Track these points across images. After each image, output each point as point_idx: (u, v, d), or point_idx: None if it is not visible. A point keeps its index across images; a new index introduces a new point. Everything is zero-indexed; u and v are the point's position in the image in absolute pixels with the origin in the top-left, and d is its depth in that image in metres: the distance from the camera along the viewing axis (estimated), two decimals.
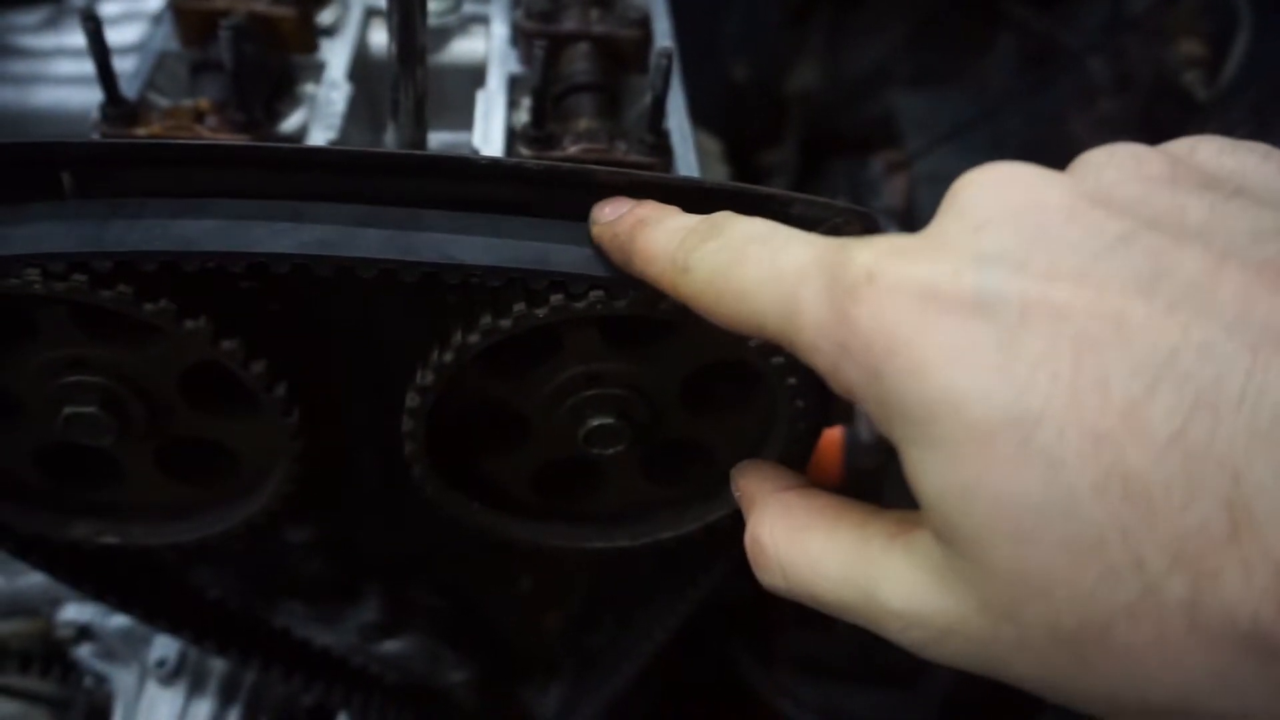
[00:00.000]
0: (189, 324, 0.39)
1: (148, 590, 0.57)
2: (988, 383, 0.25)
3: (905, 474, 0.28)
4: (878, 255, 0.28)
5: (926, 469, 0.27)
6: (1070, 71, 1.31)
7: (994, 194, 0.28)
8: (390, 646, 0.72)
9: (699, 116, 0.83)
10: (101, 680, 0.75)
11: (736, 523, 0.39)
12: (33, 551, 0.53)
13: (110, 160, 0.38)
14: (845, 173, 1.59)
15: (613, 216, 0.38)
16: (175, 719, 0.68)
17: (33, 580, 0.82)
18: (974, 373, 0.25)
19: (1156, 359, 0.24)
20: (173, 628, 0.58)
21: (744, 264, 0.32)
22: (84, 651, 0.73)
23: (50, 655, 0.82)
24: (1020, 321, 0.25)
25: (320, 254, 0.38)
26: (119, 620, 0.71)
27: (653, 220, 0.36)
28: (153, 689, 0.70)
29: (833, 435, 1.14)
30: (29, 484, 0.49)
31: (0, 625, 0.83)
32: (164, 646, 0.70)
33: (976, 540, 0.27)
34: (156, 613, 0.57)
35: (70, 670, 0.79)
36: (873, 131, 1.74)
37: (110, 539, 0.50)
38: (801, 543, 0.34)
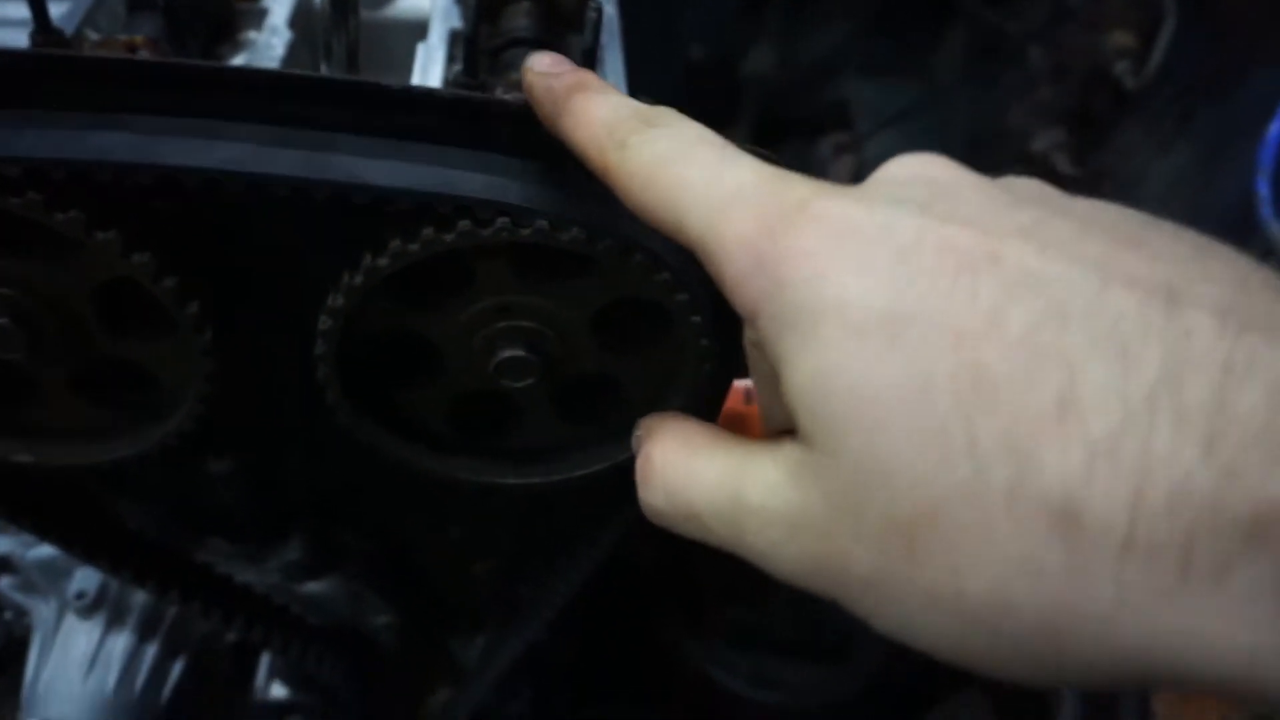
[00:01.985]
0: (99, 235, 0.40)
1: (65, 516, 0.58)
2: (873, 286, 0.29)
3: (782, 385, 0.31)
4: (813, 190, 0.32)
5: (800, 366, 0.30)
6: (1013, 62, 1.34)
7: (915, 166, 0.33)
8: (314, 587, 0.73)
9: (654, 95, 0.84)
10: (21, 614, 0.75)
11: None
12: None
13: (25, 70, 0.38)
14: (794, 154, 1.61)
15: (551, 68, 0.38)
16: (92, 651, 0.68)
17: None
18: (864, 279, 0.29)
19: (1022, 278, 0.27)
20: (88, 556, 0.58)
21: (689, 161, 0.34)
22: (3, 584, 0.73)
23: None
24: (914, 246, 0.29)
25: (231, 169, 0.39)
26: (39, 552, 0.71)
27: (596, 87, 0.38)
28: (71, 621, 0.70)
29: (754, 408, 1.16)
30: None
31: None
32: (84, 579, 0.70)
33: (832, 428, 0.29)
34: (72, 540, 0.58)
35: None
36: (826, 116, 1.76)
37: (24, 457, 0.50)
38: (686, 458, 0.37)
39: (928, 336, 0.28)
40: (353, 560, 0.75)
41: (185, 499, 0.65)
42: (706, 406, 0.49)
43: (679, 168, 0.34)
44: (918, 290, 0.28)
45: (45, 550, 0.72)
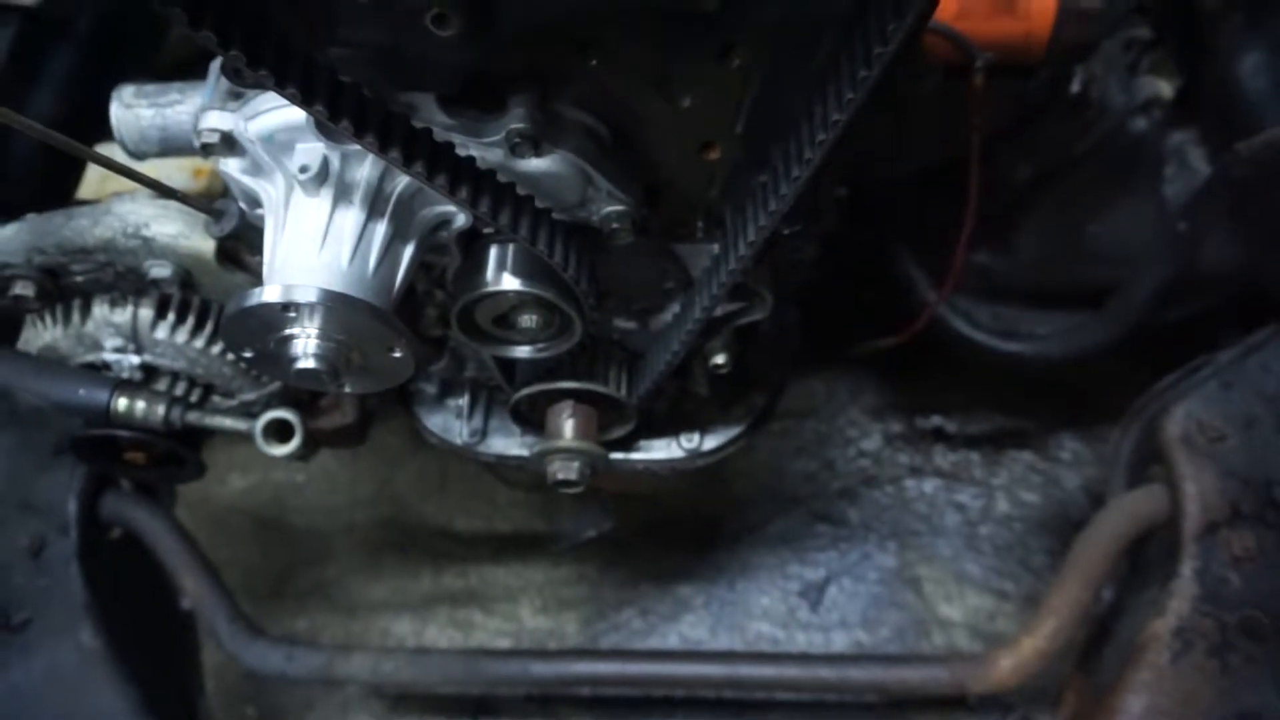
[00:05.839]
0: None
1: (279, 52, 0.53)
2: None
3: None
4: None
5: None
6: None
7: None
8: (539, 164, 0.68)
9: None
10: (254, 203, 0.74)
11: None
12: None
13: None
14: None
15: None
16: (323, 225, 0.66)
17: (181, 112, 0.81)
18: None
19: None
20: (304, 98, 0.54)
21: None
22: (232, 167, 0.71)
23: None
24: None
25: None
26: (260, 126, 0.68)
27: None
28: (298, 197, 0.68)
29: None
30: None
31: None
32: (306, 153, 0.67)
33: None
34: (285, 79, 0.53)
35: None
36: None
37: None
38: None
39: None
40: (577, 135, 0.69)
41: (404, 54, 0.59)
42: None
43: None
44: None
45: (265, 123, 0.69)
